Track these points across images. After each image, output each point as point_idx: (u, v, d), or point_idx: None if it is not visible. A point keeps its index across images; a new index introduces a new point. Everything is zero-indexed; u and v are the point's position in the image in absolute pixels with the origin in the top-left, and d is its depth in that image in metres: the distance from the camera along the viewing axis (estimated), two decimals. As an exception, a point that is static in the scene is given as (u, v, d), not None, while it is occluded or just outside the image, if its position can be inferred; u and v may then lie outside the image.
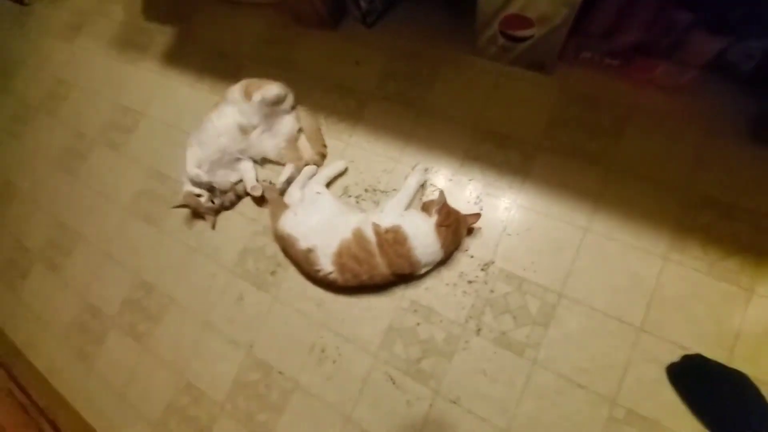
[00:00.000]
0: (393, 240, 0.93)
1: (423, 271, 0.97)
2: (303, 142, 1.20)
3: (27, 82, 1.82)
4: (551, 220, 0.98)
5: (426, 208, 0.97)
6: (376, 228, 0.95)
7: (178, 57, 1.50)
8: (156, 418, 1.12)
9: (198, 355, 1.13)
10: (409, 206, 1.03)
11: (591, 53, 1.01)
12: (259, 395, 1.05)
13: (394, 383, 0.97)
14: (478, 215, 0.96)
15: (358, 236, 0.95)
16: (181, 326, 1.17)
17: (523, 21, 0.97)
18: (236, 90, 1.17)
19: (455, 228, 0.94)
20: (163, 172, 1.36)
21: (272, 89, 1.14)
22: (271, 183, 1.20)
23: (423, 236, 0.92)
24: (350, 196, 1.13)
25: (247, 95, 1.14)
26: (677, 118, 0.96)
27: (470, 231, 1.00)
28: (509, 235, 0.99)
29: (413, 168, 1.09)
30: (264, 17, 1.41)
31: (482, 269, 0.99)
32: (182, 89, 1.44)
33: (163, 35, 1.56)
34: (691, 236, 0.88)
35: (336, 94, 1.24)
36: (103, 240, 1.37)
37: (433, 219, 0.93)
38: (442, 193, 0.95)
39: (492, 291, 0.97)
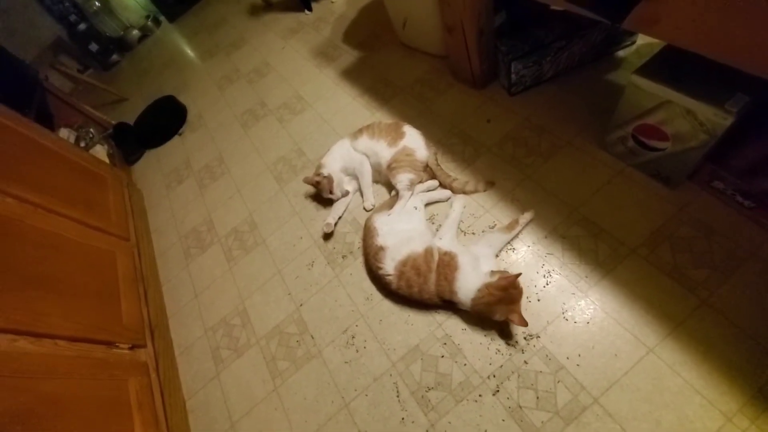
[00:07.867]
0: (447, 263, 1.02)
1: (461, 306, 1.02)
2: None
3: (244, 56, 2.47)
4: (616, 325, 0.93)
5: (494, 273, 0.98)
6: (440, 250, 1.06)
7: (353, 74, 1.88)
8: (211, 324, 1.36)
9: (262, 291, 1.35)
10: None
11: (725, 185, 0.97)
12: (289, 347, 1.19)
13: (398, 396, 1.01)
14: (523, 322, 0.91)
15: (429, 253, 1.06)
16: (261, 265, 1.41)
17: (658, 133, 1.00)
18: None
19: (490, 309, 0.94)
20: (303, 151, 1.69)
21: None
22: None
23: (470, 282, 0.98)
24: (433, 223, 1.25)
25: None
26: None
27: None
28: (566, 320, 0.98)
29: (523, 214, 1.13)
30: (428, 64, 1.70)
31: (525, 338, 0.99)
32: (345, 98, 1.79)
33: (349, 55, 1.99)
34: (774, 410, 0.76)
35: (458, 139, 1.40)
36: (241, 180, 1.74)
37: (490, 280, 0.95)
38: (517, 276, 0.92)
39: (526, 363, 0.96)
